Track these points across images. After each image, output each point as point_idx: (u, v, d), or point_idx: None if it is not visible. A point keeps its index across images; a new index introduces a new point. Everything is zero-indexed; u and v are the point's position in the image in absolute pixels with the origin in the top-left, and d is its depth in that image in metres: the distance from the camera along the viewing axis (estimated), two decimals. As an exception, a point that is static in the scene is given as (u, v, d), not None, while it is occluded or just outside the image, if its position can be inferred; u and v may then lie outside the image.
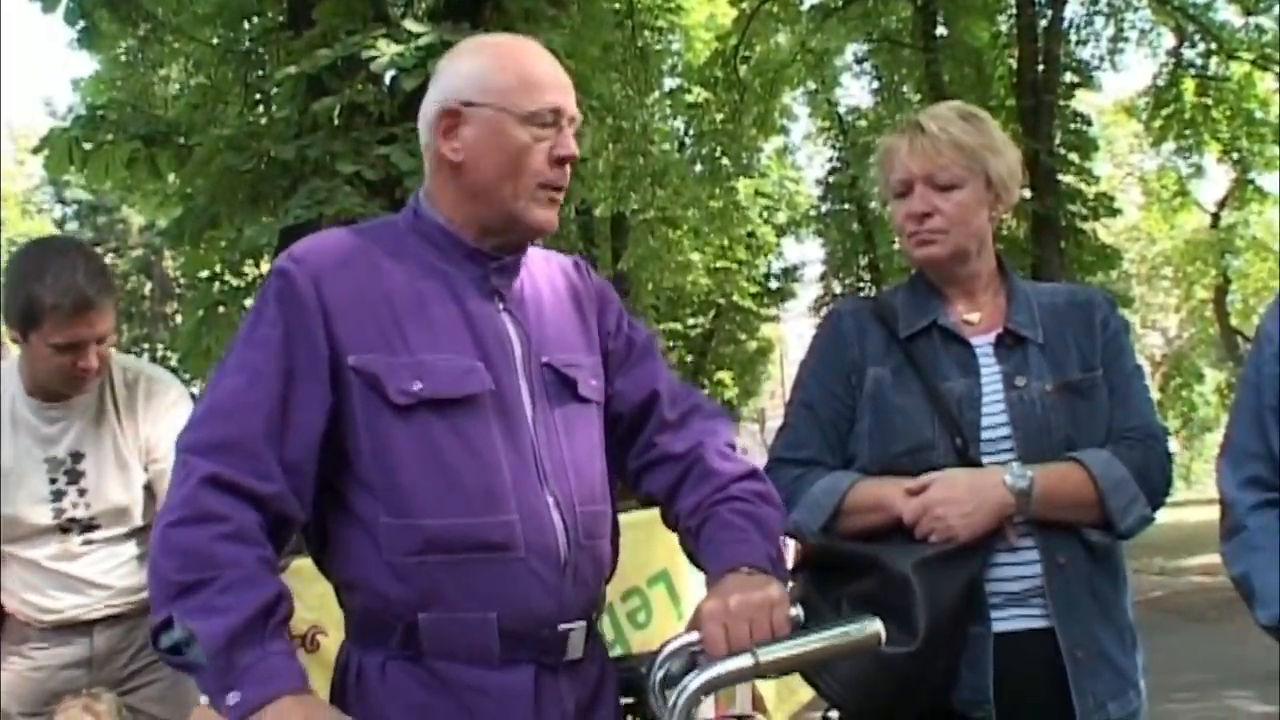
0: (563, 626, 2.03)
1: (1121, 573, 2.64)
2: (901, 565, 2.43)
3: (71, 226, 42.61)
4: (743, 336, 35.22)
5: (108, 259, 38.90)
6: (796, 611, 1.90)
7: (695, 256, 28.33)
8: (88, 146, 11.18)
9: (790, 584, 2.67)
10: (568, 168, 2.14)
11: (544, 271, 2.26)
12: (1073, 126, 22.09)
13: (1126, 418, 2.61)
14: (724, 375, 34.66)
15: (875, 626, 1.88)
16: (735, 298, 32.42)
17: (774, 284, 35.33)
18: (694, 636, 1.90)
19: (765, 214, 31.74)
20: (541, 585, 2.00)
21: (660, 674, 1.91)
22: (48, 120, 26.83)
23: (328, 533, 2.07)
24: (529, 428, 2.07)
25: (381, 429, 2.00)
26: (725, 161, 24.79)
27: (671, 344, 32.16)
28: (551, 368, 2.14)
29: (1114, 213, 23.05)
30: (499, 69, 2.10)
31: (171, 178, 12.23)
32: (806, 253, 62.57)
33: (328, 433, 2.01)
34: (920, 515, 2.48)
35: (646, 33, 21.55)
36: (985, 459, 2.53)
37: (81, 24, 11.87)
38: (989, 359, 2.62)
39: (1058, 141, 21.40)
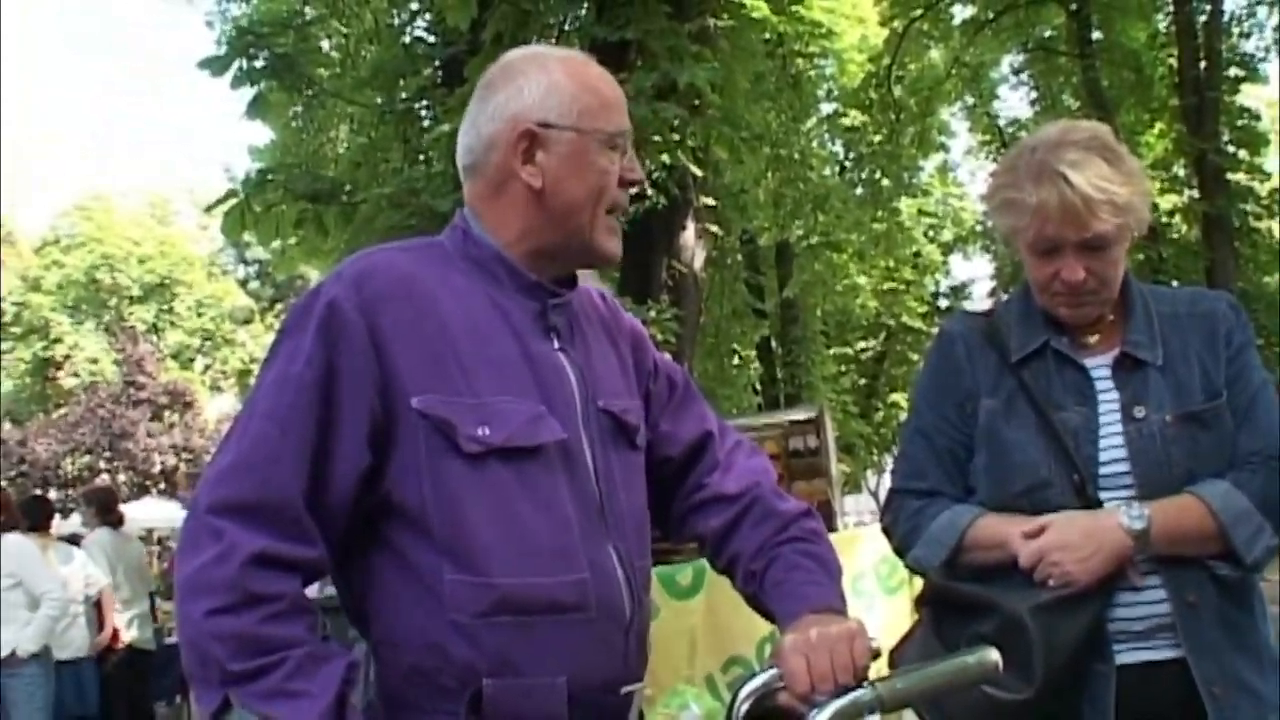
0: (625, 689, 1.94)
1: (1259, 599, 2.54)
2: (1018, 610, 2.37)
3: (254, 286, 44.28)
4: (915, 357, 34.74)
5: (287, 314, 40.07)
6: (876, 643, 1.87)
7: (861, 279, 28.10)
8: (257, 208, 11.65)
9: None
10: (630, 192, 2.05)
11: (582, 306, 2.11)
12: (1240, 122, 21.45)
13: (1251, 440, 2.48)
14: (898, 397, 34.30)
15: (993, 657, 1.85)
16: (904, 319, 32.13)
17: (943, 303, 34.95)
18: (774, 673, 1.87)
19: (930, 233, 31.47)
20: (609, 647, 1.90)
21: (743, 710, 1.89)
22: (228, 187, 27.91)
23: (371, 581, 1.88)
24: (593, 479, 1.94)
25: (447, 478, 1.82)
26: (886, 182, 24.47)
27: (843, 368, 32.01)
28: (609, 414, 2.02)
29: (1289, 209, 22.39)
30: (575, 87, 1.99)
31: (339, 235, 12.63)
32: (974, 269, 61.67)
33: (372, 477, 1.84)
34: (1036, 560, 2.41)
35: (799, 60, 21.55)
36: (1103, 494, 2.45)
37: (253, 93, 12.33)
38: (1106, 383, 2.52)
39: (1225, 139, 20.83)
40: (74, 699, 8.70)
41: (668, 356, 2.31)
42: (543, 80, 1.99)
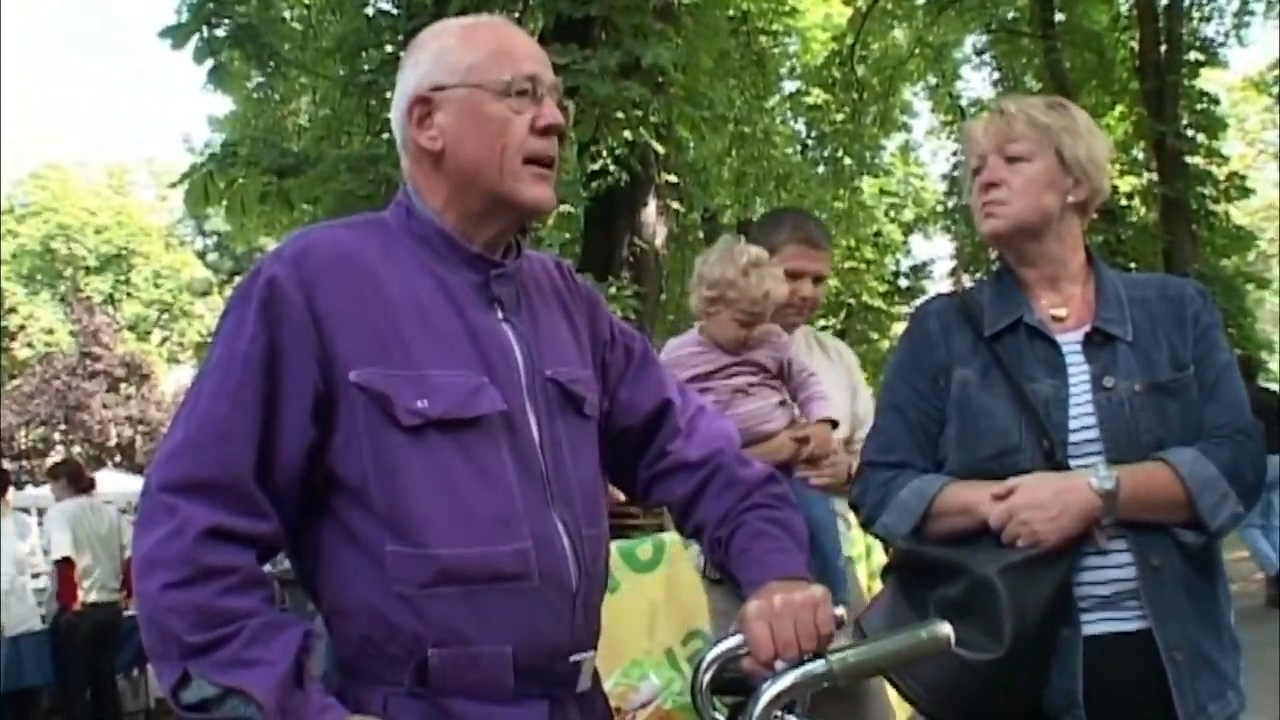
0: (574, 658, 1.95)
1: (1219, 572, 2.59)
2: (987, 571, 2.41)
3: (213, 257, 43.99)
4: (875, 336, 34.91)
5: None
6: (840, 611, 1.87)
7: (822, 258, 28.15)
8: (222, 185, 11.56)
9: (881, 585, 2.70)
10: (555, 140, 2.01)
11: (533, 276, 2.13)
12: (1199, 106, 21.60)
13: (1217, 414, 2.54)
14: (857, 375, 34.44)
15: (945, 630, 1.87)
16: (865, 298, 32.24)
17: (903, 282, 35.10)
18: (738, 639, 1.88)
19: (891, 212, 31.59)
20: (555, 615, 1.91)
21: (707, 677, 1.90)
22: (187, 157, 27.65)
23: (319, 554, 1.91)
24: (537, 448, 1.96)
25: (387, 450, 1.85)
26: (848, 161, 24.60)
27: (803, 346, 32.04)
28: (556, 383, 2.02)
29: (1246, 193, 22.51)
30: (465, 46, 2.00)
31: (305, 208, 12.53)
32: (935, 249, 61.98)
33: (317, 451, 1.86)
34: (1006, 520, 2.45)
35: (762, 38, 21.56)
36: (1073, 462, 2.49)
37: (211, 64, 12.20)
38: (1077, 357, 2.58)
39: (1184, 123, 21.00)
40: (15, 669, 8.74)
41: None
42: (436, 47, 2.03)
